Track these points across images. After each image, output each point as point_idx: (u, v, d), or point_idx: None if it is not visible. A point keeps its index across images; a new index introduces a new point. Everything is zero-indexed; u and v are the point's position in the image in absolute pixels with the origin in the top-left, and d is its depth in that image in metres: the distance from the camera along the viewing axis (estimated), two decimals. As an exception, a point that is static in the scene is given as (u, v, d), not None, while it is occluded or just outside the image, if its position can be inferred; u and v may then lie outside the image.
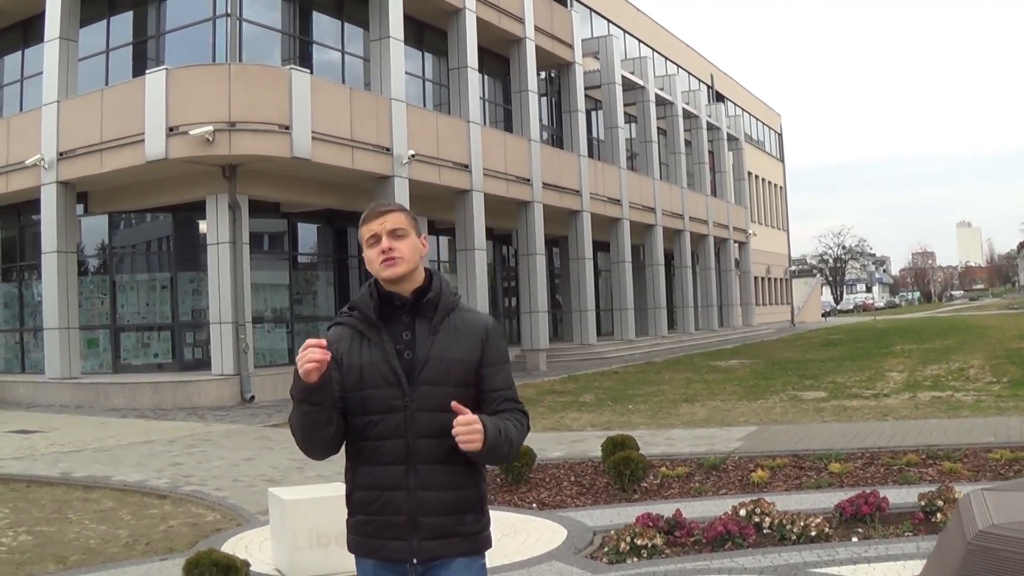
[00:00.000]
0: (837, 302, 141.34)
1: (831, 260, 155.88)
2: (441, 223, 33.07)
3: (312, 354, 3.46)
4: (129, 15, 28.62)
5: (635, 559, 8.17)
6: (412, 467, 3.65)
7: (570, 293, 40.90)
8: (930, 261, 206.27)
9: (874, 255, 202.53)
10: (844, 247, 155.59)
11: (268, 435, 18.50)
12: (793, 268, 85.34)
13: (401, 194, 27.42)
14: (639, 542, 8.31)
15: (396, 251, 3.72)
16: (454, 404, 3.53)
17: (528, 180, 35.28)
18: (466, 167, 31.28)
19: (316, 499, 8.35)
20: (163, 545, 9.60)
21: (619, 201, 42.91)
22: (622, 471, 11.10)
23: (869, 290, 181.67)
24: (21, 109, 29.71)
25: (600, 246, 44.20)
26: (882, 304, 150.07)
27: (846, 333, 55.09)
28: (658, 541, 8.39)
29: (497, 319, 10.44)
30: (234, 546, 8.96)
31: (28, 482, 13.77)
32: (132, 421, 21.75)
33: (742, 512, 8.89)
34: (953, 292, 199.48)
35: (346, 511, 3.83)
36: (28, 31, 29.82)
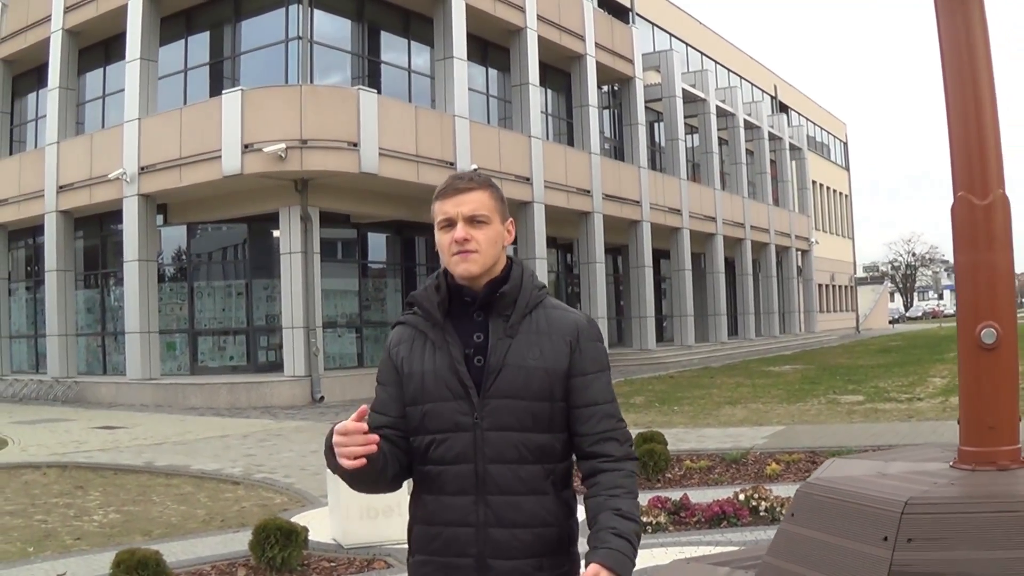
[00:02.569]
0: (907, 309, 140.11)
1: (902, 267, 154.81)
2: (503, 234, 34.11)
3: (354, 450, 2.90)
4: (206, 36, 30.15)
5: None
6: (482, 498, 3.07)
7: (630, 300, 41.93)
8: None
9: (947, 261, 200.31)
10: (914, 254, 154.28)
11: (334, 431, 19.90)
12: (865, 275, 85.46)
13: (465, 206, 28.56)
14: (645, 519, 9.57)
15: (472, 243, 3.13)
16: None
17: (588, 192, 36.48)
18: (527, 180, 32.52)
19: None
20: (236, 521, 10.95)
21: (679, 211, 43.92)
22: (646, 462, 12.30)
23: (941, 297, 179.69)
24: (103, 125, 31.25)
25: (661, 254, 45.18)
26: (952, 311, 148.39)
27: (906, 340, 55.31)
28: (663, 519, 9.66)
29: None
30: (297, 521, 10.31)
31: (115, 470, 15.26)
32: (209, 419, 23.26)
33: (741, 496, 10.12)
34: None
35: (407, 548, 3.33)
36: (109, 50, 31.29)
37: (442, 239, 3.18)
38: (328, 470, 3.23)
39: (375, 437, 2.91)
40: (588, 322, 3.29)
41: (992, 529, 3.92)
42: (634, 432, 13.83)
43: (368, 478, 3.08)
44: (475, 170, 3.04)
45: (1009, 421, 4.64)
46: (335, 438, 2.93)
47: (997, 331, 4.62)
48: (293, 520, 9.02)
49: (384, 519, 9.20)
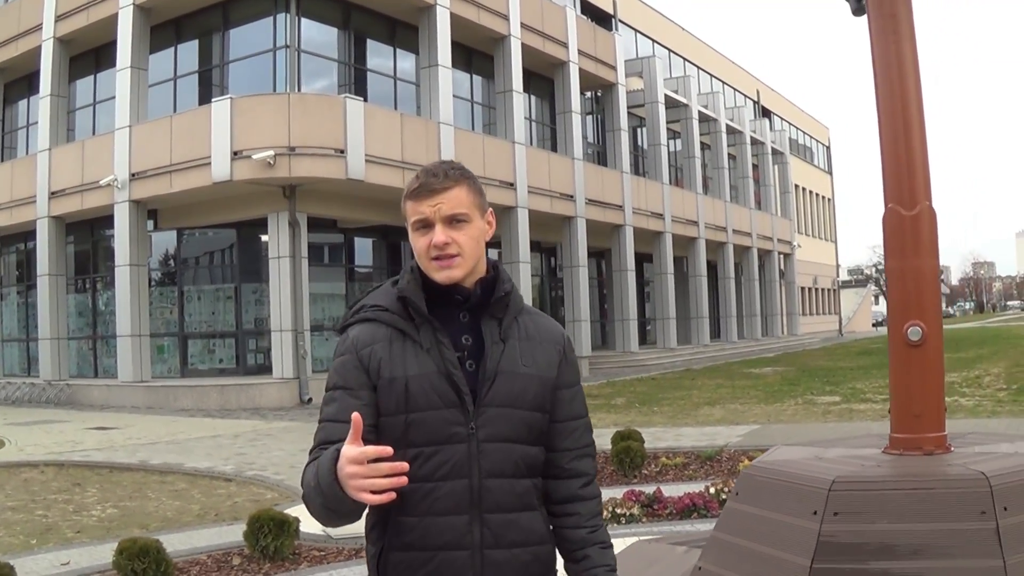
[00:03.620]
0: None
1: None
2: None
3: (379, 482, 2.50)
4: (195, 44, 30.61)
5: (615, 525, 9.88)
6: (478, 517, 2.82)
7: (613, 303, 42.42)
8: (982, 271, 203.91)
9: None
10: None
11: (322, 432, 20.40)
12: (850, 278, 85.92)
13: (448, 211, 29.07)
14: (619, 511, 10.09)
15: (453, 246, 2.87)
16: None
17: (572, 196, 36.96)
18: (511, 185, 32.99)
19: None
20: (230, 515, 11.43)
21: (661, 215, 44.41)
22: (623, 459, 12.82)
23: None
24: (94, 132, 31.65)
25: (644, 257, 45.66)
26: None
27: (887, 342, 55.78)
28: (636, 511, 10.18)
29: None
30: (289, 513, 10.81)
31: (111, 468, 15.76)
32: (200, 419, 23.72)
33: (712, 490, 10.65)
34: (1010, 303, 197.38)
35: None
36: (100, 57, 31.70)
37: (418, 242, 2.91)
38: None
39: (404, 465, 2.51)
40: (567, 334, 3.15)
41: (909, 505, 4.44)
42: (612, 431, 14.45)
43: (357, 510, 2.66)
44: (447, 162, 2.55)
45: (934, 410, 5.17)
46: (349, 468, 2.49)
47: (923, 329, 5.15)
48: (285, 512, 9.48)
49: (372, 511, 9.66)
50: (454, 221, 2.88)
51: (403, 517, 2.82)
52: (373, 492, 2.48)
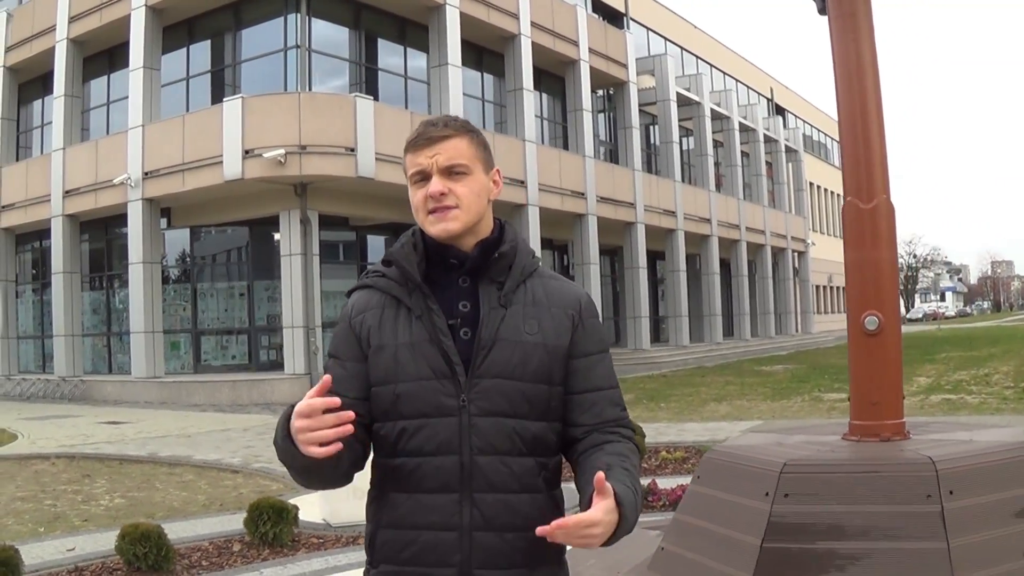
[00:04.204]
0: (907, 311, 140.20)
1: (904, 268, 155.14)
2: (499, 235, 34.69)
3: (324, 433, 2.42)
4: (207, 44, 30.96)
5: (610, 515, 10.12)
6: (468, 497, 2.64)
7: (625, 301, 42.60)
8: (999, 270, 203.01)
9: (950, 263, 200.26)
10: (915, 256, 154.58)
11: (331, 426, 20.68)
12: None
13: (459, 208, 29.33)
14: (612, 502, 10.32)
15: (450, 197, 2.73)
16: (539, 529, 2.40)
17: (583, 194, 37.16)
18: (522, 183, 33.21)
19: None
20: (234, 506, 11.64)
21: (674, 213, 44.57)
22: (622, 452, 13.04)
23: (943, 298, 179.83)
24: (108, 131, 31.98)
25: (657, 255, 45.90)
26: (953, 313, 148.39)
27: (903, 341, 55.68)
28: (630, 501, 10.40)
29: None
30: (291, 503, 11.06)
31: (120, 460, 16.04)
32: (211, 414, 24.01)
33: (704, 481, 10.87)
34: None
35: (365, 557, 2.84)
36: (114, 58, 32.04)
37: (415, 196, 2.78)
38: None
39: (350, 414, 2.42)
40: (588, 297, 2.88)
41: (856, 487, 4.65)
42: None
43: (324, 470, 2.60)
44: (450, 115, 2.46)
45: (892, 398, 5.38)
46: (297, 422, 2.44)
47: (879, 319, 5.36)
48: (288, 502, 9.73)
49: (371, 500, 9.92)
50: (452, 172, 2.74)
51: (394, 493, 2.70)
52: (321, 445, 2.41)
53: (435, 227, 2.74)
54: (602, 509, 2.40)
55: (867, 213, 5.41)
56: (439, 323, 2.69)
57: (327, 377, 2.51)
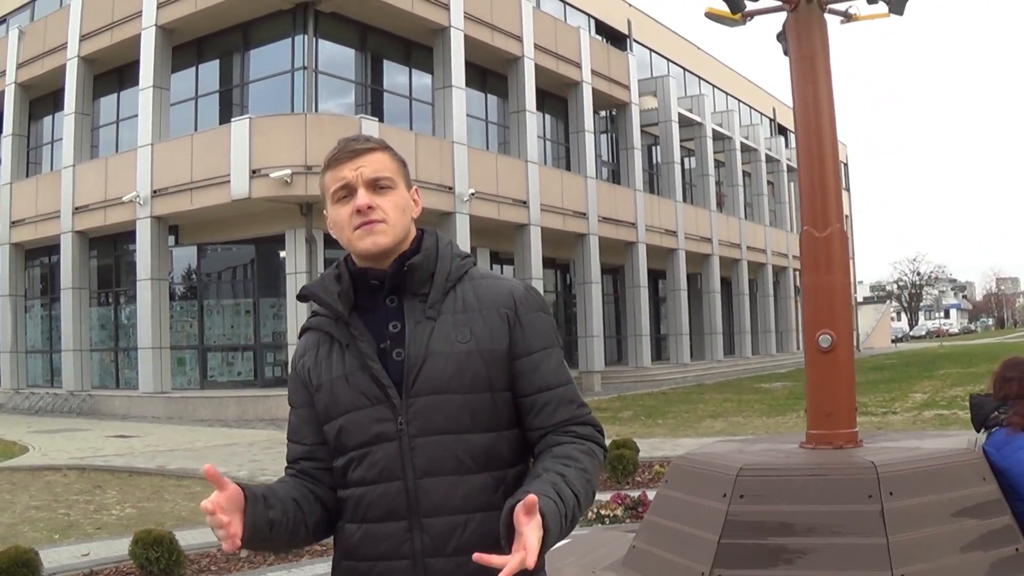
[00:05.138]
0: (911, 328, 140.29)
1: (909, 286, 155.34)
2: (502, 254, 35.40)
3: (224, 530, 2.36)
4: (216, 64, 31.47)
5: (600, 525, 10.57)
6: (416, 523, 2.57)
7: (626, 319, 42.97)
8: (1003, 287, 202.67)
9: (955, 280, 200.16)
10: (919, 273, 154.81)
11: (334, 441, 21.16)
12: (872, 295, 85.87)
13: (462, 228, 30.04)
14: (603, 512, 10.78)
15: (378, 211, 2.65)
16: (476, 556, 2.25)
17: (584, 214, 37.60)
18: (524, 203, 33.67)
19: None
20: (240, 515, 12.15)
21: (675, 232, 45.00)
22: (616, 466, 13.50)
23: (947, 316, 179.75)
24: (117, 149, 32.51)
25: (658, 274, 46.30)
26: (956, 330, 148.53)
27: (903, 358, 55.71)
28: (620, 512, 10.85)
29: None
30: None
31: (130, 472, 16.52)
32: (217, 429, 24.50)
33: (692, 492, 11.36)
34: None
35: None
36: (123, 76, 32.56)
37: (339, 213, 2.70)
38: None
39: (221, 519, 2.33)
40: (527, 289, 2.76)
41: (805, 489, 5.17)
42: (609, 441, 15.03)
43: (272, 543, 2.63)
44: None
45: (845, 410, 5.89)
46: (207, 520, 2.37)
47: (832, 337, 5.86)
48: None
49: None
50: (378, 186, 2.67)
51: (348, 524, 2.67)
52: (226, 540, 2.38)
53: (364, 241, 2.65)
54: (535, 533, 2.26)
55: (821, 241, 5.91)
56: (364, 348, 2.64)
57: (209, 469, 2.37)
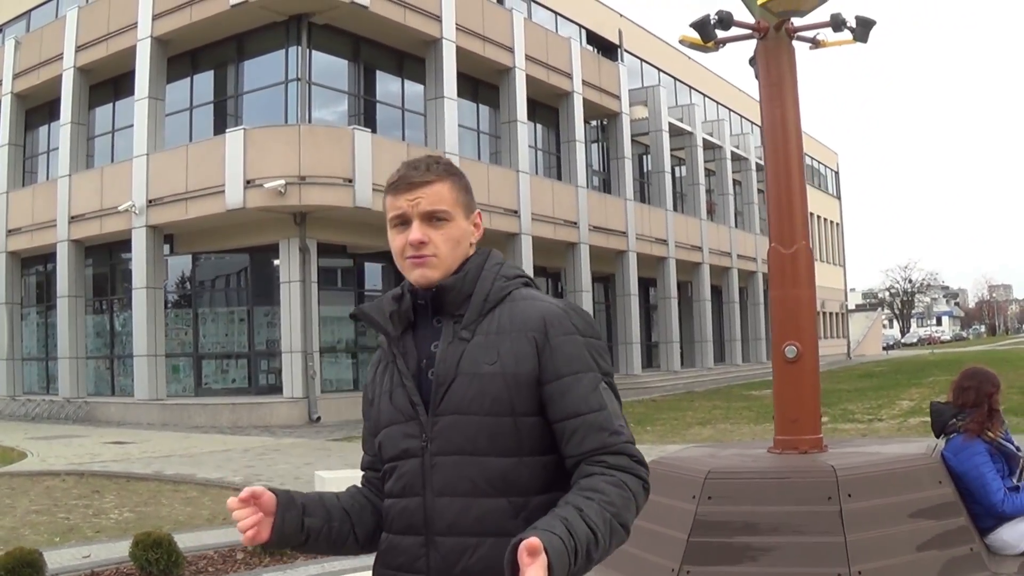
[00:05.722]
0: (903, 335, 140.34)
1: (901, 293, 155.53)
2: (494, 262, 35.33)
3: (242, 522, 2.62)
4: (210, 75, 31.74)
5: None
6: (431, 541, 2.61)
7: (617, 327, 43.21)
8: (995, 294, 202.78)
9: (947, 288, 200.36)
10: (911, 280, 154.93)
11: (328, 447, 21.58)
12: (864, 302, 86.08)
13: (454, 237, 30.09)
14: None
15: (430, 246, 2.69)
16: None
17: (575, 223, 37.93)
18: (515, 212, 34.00)
19: (347, 477, 11.16)
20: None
21: (665, 241, 45.40)
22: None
23: (939, 323, 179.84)
24: (113, 159, 32.74)
25: (649, 282, 46.55)
26: (948, 337, 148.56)
27: (893, 366, 55.80)
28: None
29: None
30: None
31: (127, 478, 16.82)
32: (212, 436, 24.79)
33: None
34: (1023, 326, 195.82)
35: None
36: (119, 86, 32.79)
37: (395, 240, 2.75)
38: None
39: (252, 520, 2.59)
40: (564, 311, 2.70)
41: (768, 491, 5.53)
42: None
43: (311, 547, 2.76)
44: (433, 156, 2.54)
45: (810, 416, 6.25)
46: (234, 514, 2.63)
47: (798, 348, 6.21)
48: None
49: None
50: (433, 219, 2.70)
51: (384, 533, 2.76)
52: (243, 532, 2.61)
53: (413, 273, 2.70)
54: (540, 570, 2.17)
55: (788, 257, 6.27)
56: (401, 366, 2.71)
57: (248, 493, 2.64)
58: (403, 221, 2.71)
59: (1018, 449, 6.53)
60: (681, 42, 7.18)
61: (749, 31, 6.63)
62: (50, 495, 14.99)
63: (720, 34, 6.55)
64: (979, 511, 6.16)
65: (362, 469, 2.95)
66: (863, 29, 6.55)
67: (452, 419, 2.59)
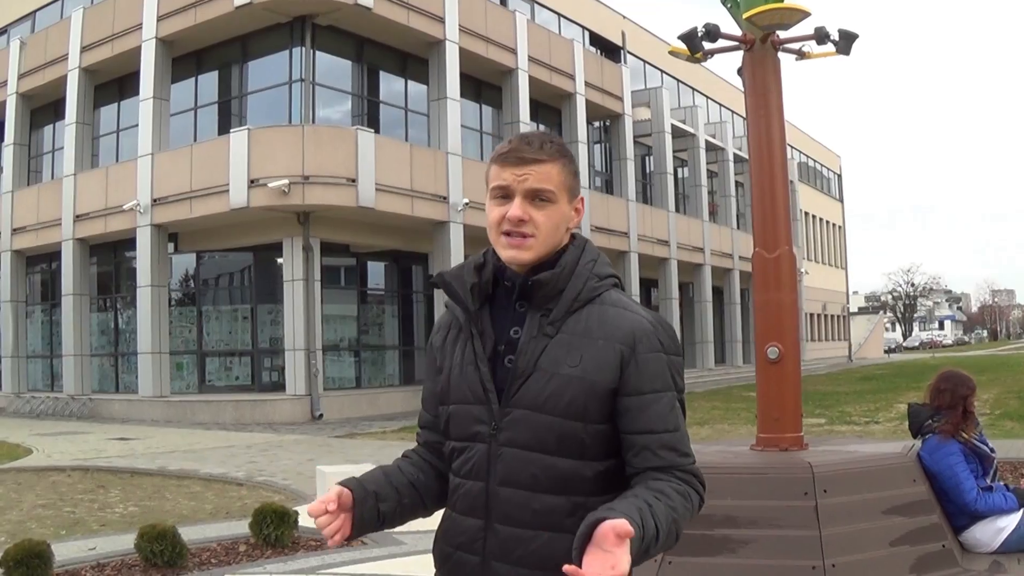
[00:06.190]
0: (905, 338, 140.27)
1: (903, 296, 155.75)
2: (497, 261, 35.48)
3: (327, 528, 2.64)
4: (215, 76, 32.00)
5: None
6: (490, 526, 2.65)
7: (618, 328, 43.27)
8: (997, 299, 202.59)
9: (950, 292, 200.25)
10: (913, 284, 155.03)
11: (330, 444, 21.79)
12: (867, 304, 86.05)
13: (456, 238, 30.60)
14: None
15: (529, 225, 2.63)
16: (567, 568, 2.20)
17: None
18: (519, 213, 34.00)
19: (348, 471, 11.41)
20: (239, 514, 12.58)
21: (667, 242, 45.70)
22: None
23: (941, 327, 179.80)
24: (118, 158, 33.01)
25: (650, 283, 46.81)
26: (950, 341, 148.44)
27: (893, 369, 55.58)
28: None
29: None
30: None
31: (132, 473, 17.05)
32: (216, 432, 25.01)
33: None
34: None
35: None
36: (124, 86, 33.09)
37: (492, 212, 2.68)
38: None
39: (337, 525, 2.63)
40: (654, 327, 2.68)
41: (747, 486, 5.77)
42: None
43: (390, 525, 2.83)
44: (547, 134, 2.82)
45: (791, 415, 6.49)
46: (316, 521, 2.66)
47: (780, 349, 6.45)
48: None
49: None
50: (537, 198, 2.64)
51: (447, 509, 2.81)
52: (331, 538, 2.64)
53: (506, 252, 2.66)
54: (623, 559, 2.22)
55: (771, 262, 6.52)
56: (478, 348, 2.69)
57: (334, 495, 2.64)
58: (505, 195, 2.65)
59: (992, 450, 6.80)
60: (671, 53, 7.44)
61: (736, 43, 6.86)
62: (56, 490, 15.23)
63: (707, 46, 6.78)
64: (953, 509, 6.41)
65: (420, 425, 2.97)
66: (846, 42, 6.78)
67: (524, 414, 2.61)
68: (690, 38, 6.67)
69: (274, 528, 9.92)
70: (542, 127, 39.03)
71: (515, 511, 2.59)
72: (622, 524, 2.23)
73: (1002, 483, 6.92)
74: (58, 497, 14.42)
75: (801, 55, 7.00)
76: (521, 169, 2.62)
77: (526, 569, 2.57)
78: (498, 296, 2.73)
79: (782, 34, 6.78)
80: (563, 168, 2.68)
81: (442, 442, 2.81)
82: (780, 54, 6.90)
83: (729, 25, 7.10)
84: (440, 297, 29.84)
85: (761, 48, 6.74)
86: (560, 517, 2.54)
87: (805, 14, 6.55)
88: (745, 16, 6.62)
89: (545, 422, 2.57)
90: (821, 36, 6.70)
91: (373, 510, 2.71)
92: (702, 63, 7.28)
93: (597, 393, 2.58)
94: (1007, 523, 6.43)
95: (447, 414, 2.74)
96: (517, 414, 2.60)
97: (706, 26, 6.64)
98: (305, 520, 10.91)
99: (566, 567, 2.20)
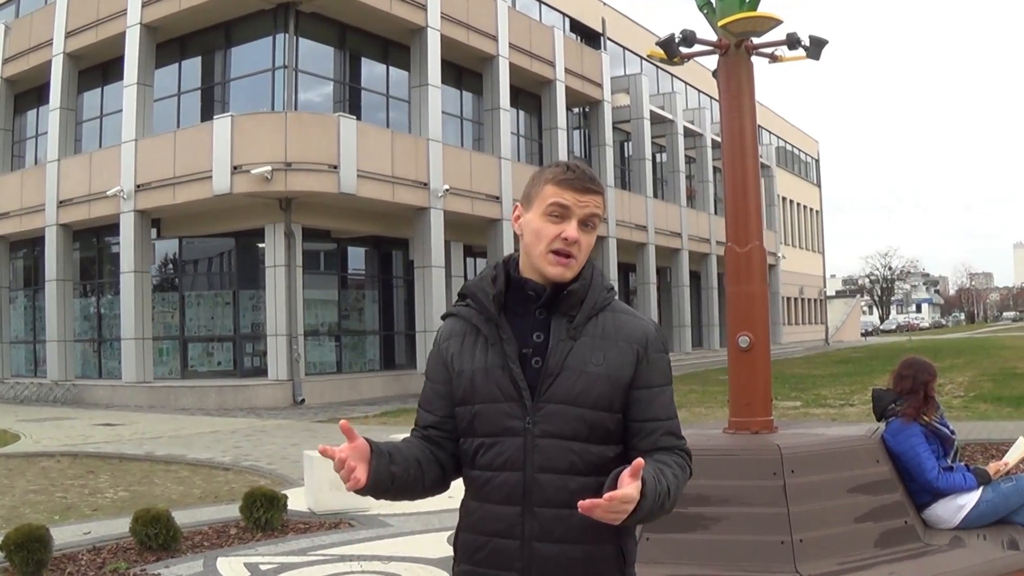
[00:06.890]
0: (882, 321, 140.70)
1: (880, 280, 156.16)
2: (476, 248, 36.07)
3: (348, 473, 2.81)
4: (198, 62, 32.12)
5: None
6: (529, 510, 2.94)
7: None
8: (974, 283, 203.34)
9: (927, 275, 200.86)
10: (890, 267, 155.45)
11: (313, 428, 22.12)
12: (844, 288, 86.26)
13: (437, 223, 30.88)
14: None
15: (576, 246, 2.97)
16: (581, 504, 2.64)
17: (557, 210, 38.22)
18: (497, 199, 34.39)
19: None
20: (227, 498, 12.89)
21: (645, 227, 46.01)
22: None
23: (919, 310, 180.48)
24: (101, 144, 33.11)
25: (628, 267, 47.28)
26: (927, 324, 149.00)
27: (869, 352, 55.82)
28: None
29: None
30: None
31: (120, 458, 17.35)
32: (200, 417, 25.27)
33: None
34: (1006, 314, 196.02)
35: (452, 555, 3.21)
36: (108, 72, 33.13)
37: (544, 227, 2.97)
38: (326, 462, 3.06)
39: (353, 465, 2.80)
40: (656, 331, 3.12)
41: (719, 466, 6.11)
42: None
43: (391, 494, 3.01)
44: (589, 169, 3.19)
45: (761, 400, 6.85)
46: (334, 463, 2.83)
47: (750, 338, 6.80)
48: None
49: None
50: (588, 225, 2.99)
51: (471, 502, 3.06)
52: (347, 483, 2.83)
53: (554, 269, 2.97)
54: (636, 488, 2.66)
55: (743, 256, 6.87)
56: (509, 351, 2.97)
57: (344, 423, 2.85)
58: (563, 215, 2.96)
59: (952, 432, 7.18)
60: (649, 57, 7.76)
61: (711, 48, 7.18)
62: (46, 475, 15.52)
63: (684, 50, 7.09)
64: (916, 488, 6.79)
65: (421, 426, 3.17)
66: (815, 48, 7.10)
67: (558, 407, 2.92)
68: (668, 44, 6.98)
69: (264, 511, 10.19)
70: (522, 113, 39.44)
71: (554, 494, 2.91)
72: (637, 460, 2.68)
73: (962, 463, 7.30)
74: (49, 483, 14.71)
75: (774, 59, 7.31)
76: (584, 196, 2.96)
77: (568, 544, 2.91)
78: (511, 305, 3.04)
79: (755, 40, 7.09)
80: (604, 201, 3.06)
81: (451, 437, 3.11)
82: (753, 58, 7.20)
83: (704, 28, 7.41)
84: (421, 284, 30.32)
85: (735, 53, 7.05)
86: (592, 494, 2.73)
87: (777, 22, 6.87)
88: (720, 24, 6.95)
89: (578, 414, 2.92)
90: (792, 42, 7.00)
91: (387, 467, 2.94)
92: (680, 64, 7.59)
93: (619, 387, 2.96)
94: (967, 500, 6.81)
95: (471, 413, 3.01)
96: (551, 408, 2.92)
97: (683, 32, 6.95)
98: (293, 504, 11.24)
99: (580, 502, 2.63)
